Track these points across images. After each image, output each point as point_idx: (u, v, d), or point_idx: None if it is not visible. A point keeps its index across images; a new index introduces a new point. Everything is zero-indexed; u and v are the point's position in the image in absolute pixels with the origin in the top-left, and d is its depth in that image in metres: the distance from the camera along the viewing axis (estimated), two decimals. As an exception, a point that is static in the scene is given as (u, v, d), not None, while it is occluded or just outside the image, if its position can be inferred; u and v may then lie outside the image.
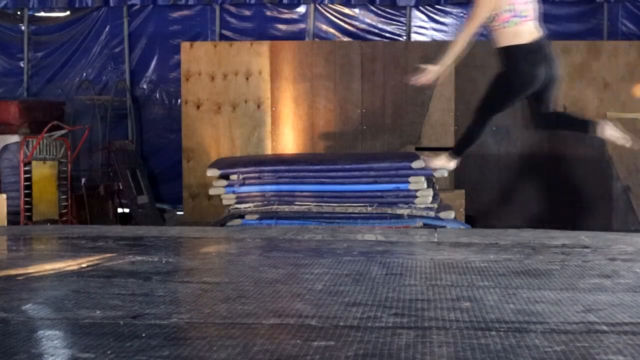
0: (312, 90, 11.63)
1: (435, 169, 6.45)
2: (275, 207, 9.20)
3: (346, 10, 12.52)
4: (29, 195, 10.81)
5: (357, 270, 4.90)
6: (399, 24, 12.50)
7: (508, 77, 5.78)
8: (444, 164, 6.36)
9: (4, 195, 9.43)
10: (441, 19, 12.43)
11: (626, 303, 3.88)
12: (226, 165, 9.61)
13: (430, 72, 5.82)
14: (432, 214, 9.07)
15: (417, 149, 11.14)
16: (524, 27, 5.70)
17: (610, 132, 5.92)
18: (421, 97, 11.51)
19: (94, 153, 12.57)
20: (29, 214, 10.79)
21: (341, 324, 3.43)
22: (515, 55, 5.70)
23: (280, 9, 12.60)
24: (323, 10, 12.53)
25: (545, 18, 12.66)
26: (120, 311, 3.68)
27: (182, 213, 12.06)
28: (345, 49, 11.78)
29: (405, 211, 9.03)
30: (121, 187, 11.92)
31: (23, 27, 13.14)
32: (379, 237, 6.77)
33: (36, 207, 10.89)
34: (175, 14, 12.74)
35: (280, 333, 3.28)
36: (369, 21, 12.49)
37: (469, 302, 3.88)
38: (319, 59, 11.67)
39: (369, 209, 9.10)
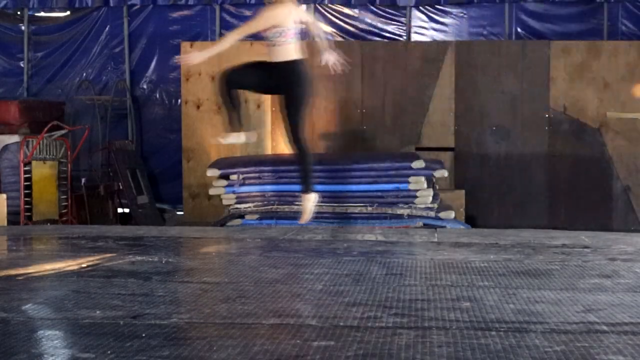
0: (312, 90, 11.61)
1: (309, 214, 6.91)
2: (275, 207, 9.20)
3: (346, 10, 12.52)
4: (29, 195, 10.81)
5: (357, 270, 4.90)
6: (399, 24, 12.50)
7: (299, 90, 6.53)
8: (313, 205, 6.79)
9: (4, 195, 9.43)
10: (441, 19, 12.44)
11: (626, 303, 3.88)
12: (226, 165, 9.61)
13: (195, 57, 6.70)
14: (432, 214, 9.07)
15: (417, 149, 11.14)
16: (300, 44, 6.57)
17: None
18: (421, 97, 11.51)
19: (94, 153, 12.57)
20: (29, 214, 10.79)
21: (341, 324, 3.43)
22: (300, 68, 6.52)
23: (280, 9, 12.58)
24: (323, 10, 12.53)
25: (546, 18, 12.75)
26: (120, 311, 3.68)
27: (182, 213, 12.06)
28: (345, 49, 11.75)
29: (405, 211, 9.03)
30: (121, 187, 11.91)
31: (23, 27, 13.14)
32: (379, 237, 6.77)
33: (36, 207, 10.89)
34: (175, 14, 12.74)
35: (280, 333, 3.28)
36: (369, 21, 12.49)
37: (469, 302, 3.88)
38: (319, 59, 11.64)
39: (369, 209, 9.09)
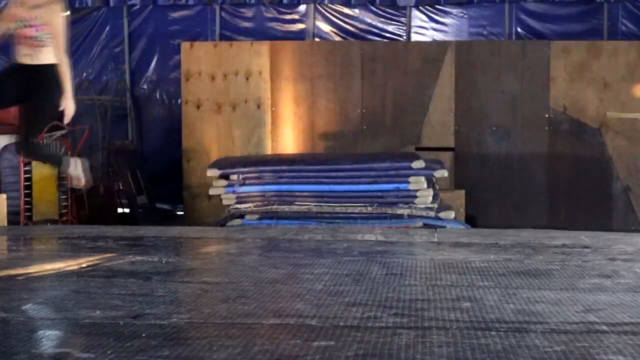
0: (312, 91, 11.63)
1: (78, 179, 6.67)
2: (275, 207, 9.20)
3: (346, 10, 12.52)
4: (29, 195, 10.80)
5: (357, 270, 4.90)
6: (399, 24, 12.50)
7: (50, 95, 6.04)
8: (77, 170, 6.37)
9: (4, 195, 9.43)
10: (441, 19, 12.44)
11: (626, 303, 3.88)
12: (226, 165, 9.61)
13: (72, 106, 6.11)
14: (432, 214, 9.07)
15: (417, 149, 11.14)
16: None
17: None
18: (421, 97, 11.51)
19: (94, 153, 12.56)
20: (29, 214, 10.78)
21: (341, 324, 3.43)
22: (53, 72, 5.99)
23: (280, 9, 12.60)
24: (323, 10, 12.53)
25: (545, 18, 12.75)
26: (120, 311, 3.68)
27: (182, 213, 12.06)
28: (345, 49, 11.78)
29: (405, 211, 9.03)
30: (121, 187, 11.91)
31: (23, 27, 13.12)
32: (379, 237, 6.77)
33: (36, 207, 10.88)
34: (175, 14, 12.74)
35: (280, 333, 3.28)
36: (369, 21, 12.49)
37: (469, 302, 3.88)
38: (319, 59, 11.67)
39: (369, 209, 9.09)
